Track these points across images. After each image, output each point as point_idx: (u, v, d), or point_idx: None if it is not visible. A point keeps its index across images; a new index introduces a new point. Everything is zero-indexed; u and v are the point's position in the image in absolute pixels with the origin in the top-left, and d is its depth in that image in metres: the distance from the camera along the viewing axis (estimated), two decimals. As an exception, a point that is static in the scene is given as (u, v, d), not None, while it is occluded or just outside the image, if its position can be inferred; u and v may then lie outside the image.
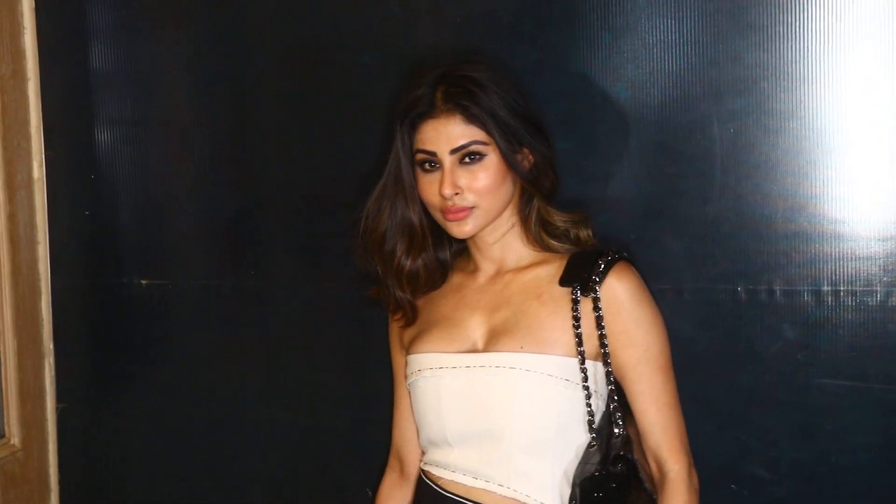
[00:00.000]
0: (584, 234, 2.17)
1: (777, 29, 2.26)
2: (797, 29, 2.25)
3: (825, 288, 2.28)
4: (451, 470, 2.12)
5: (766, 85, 2.28)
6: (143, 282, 2.76)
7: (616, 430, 2.05)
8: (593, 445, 2.05)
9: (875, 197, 2.25)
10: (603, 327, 2.06)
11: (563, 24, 2.37)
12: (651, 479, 2.08)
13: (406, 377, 2.21)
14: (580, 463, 2.06)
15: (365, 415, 2.61)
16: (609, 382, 2.07)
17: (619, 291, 2.06)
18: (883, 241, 2.25)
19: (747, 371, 2.33)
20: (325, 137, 2.58)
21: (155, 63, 2.70)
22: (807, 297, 2.29)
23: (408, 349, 2.22)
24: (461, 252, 2.24)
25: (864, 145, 2.24)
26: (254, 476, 2.73)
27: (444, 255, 2.22)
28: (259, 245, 2.68)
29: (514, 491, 2.06)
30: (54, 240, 2.78)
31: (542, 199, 2.13)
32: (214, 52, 2.64)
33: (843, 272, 2.27)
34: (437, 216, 2.13)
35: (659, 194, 2.32)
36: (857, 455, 2.30)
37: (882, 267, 2.25)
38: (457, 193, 2.07)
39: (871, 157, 2.24)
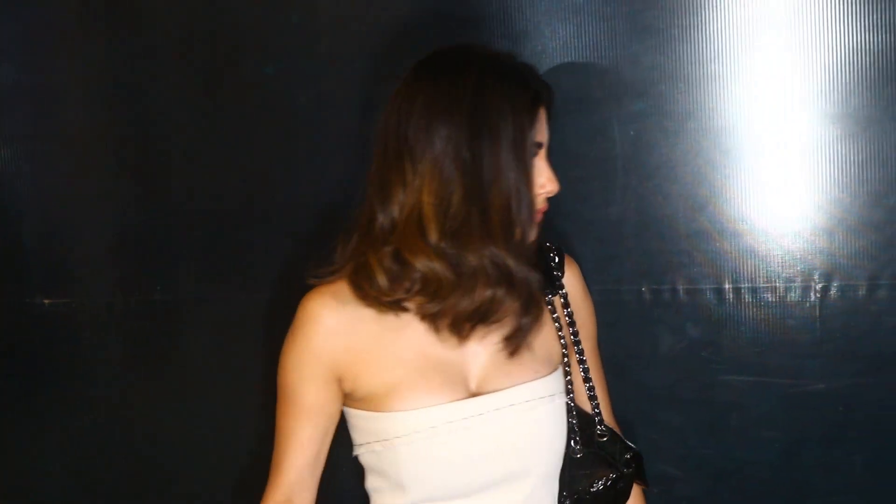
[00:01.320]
0: None
1: (673, 32, 2.30)
2: (693, 32, 2.29)
3: (726, 286, 2.31)
4: None
5: (664, 87, 2.31)
6: (47, 301, 2.72)
7: (600, 428, 1.90)
8: (578, 455, 1.89)
9: (772, 195, 2.29)
10: (574, 323, 1.91)
11: (463, 30, 2.39)
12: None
13: (391, 439, 1.79)
14: (568, 476, 1.88)
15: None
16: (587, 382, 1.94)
17: (577, 282, 1.92)
18: (780, 237, 2.29)
19: (653, 370, 2.35)
20: (229, 149, 2.57)
21: (55, 78, 2.67)
22: (709, 296, 2.32)
23: (376, 404, 1.80)
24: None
25: (760, 144, 2.29)
26: (165, 494, 2.69)
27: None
28: (165, 259, 2.65)
29: None
30: (-45, 260, 2.74)
31: None
32: (116, 67, 2.62)
33: (744, 270, 2.30)
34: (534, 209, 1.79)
35: (562, 197, 2.30)
36: (762, 450, 2.33)
37: (780, 263, 2.29)
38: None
39: (766, 155, 2.28)
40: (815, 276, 2.27)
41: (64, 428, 2.74)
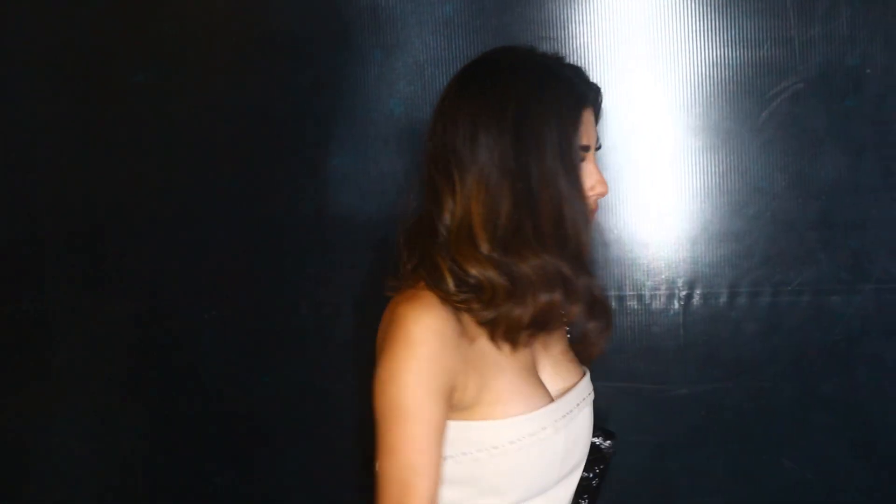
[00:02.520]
0: None
1: (542, 45, 2.30)
2: (558, 45, 2.33)
3: (594, 293, 2.36)
4: None
5: (532, 99, 2.34)
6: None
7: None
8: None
9: (636, 205, 2.34)
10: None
11: (337, 42, 2.40)
12: None
13: (506, 442, 1.74)
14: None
15: (150, 437, 2.57)
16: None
17: None
18: (644, 246, 2.34)
19: (524, 377, 2.39)
20: (98, 158, 2.54)
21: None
22: (577, 303, 2.37)
23: (489, 412, 1.76)
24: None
25: (624, 156, 2.34)
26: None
27: None
28: (37, 270, 2.61)
29: None
30: None
31: None
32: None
33: (610, 277, 2.35)
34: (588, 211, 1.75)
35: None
36: (629, 454, 2.37)
37: (645, 272, 2.35)
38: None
39: (631, 167, 2.34)
40: (679, 284, 2.33)
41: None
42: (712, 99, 2.29)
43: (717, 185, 2.31)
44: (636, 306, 2.35)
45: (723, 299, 2.32)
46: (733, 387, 2.33)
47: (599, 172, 1.74)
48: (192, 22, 2.47)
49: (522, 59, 1.78)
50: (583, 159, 1.74)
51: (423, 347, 1.68)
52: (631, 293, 2.35)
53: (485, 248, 1.70)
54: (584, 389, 1.84)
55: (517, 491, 1.78)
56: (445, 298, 1.71)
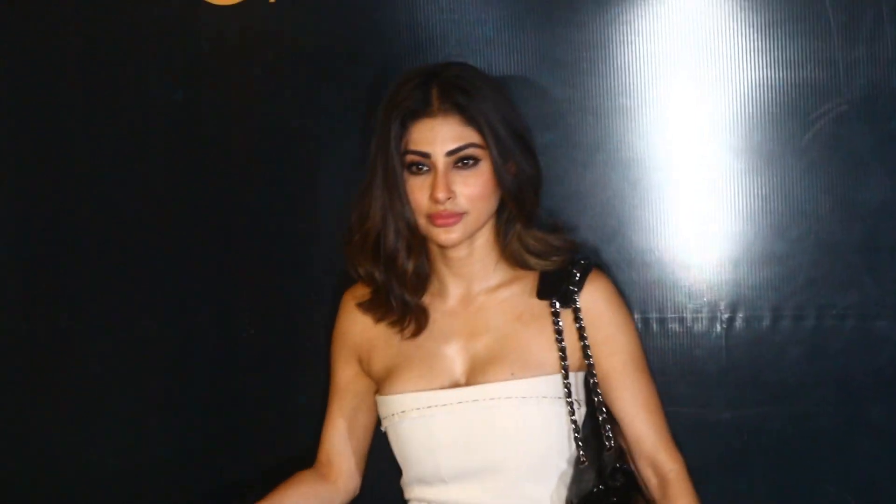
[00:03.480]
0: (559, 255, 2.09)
1: (582, 66, 2.33)
2: (601, 66, 2.32)
3: (635, 316, 2.33)
4: None
5: (572, 119, 2.34)
6: (-53, 328, 2.67)
7: (607, 444, 2.02)
8: (583, 462, 2.00)
9: (678, 226, 2.32)
10: (586, 338, 2.03)
11: (374, 63, 2.39)
12: (645, 487, 2.05)
13: (382, 419, 2.10)
14: (573, 481, 2.01)
15: (183, 454, 2.56)
16: (595, 394, 2.04)
17: (599, 299, 2.05)
18: (686, 268, 2.32)
19: (563, 399, 2.37)
20: (135, 175, 2.54)
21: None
22: (617, 326, 2.34)
23: (380, 387, 2.10)
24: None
25: (667, 177, 2.32)
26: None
27: (423, 269, 2.08)
28: (70, 286, 2.61)
29: None
30: None
31: (520, 218, 2.05)
32: (20, 90, 2.58)
33: (651, 300, 2.33)
34: (422, 222, 2.00)
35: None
36: (670, 478, 2.35)
37: (687, 294, 2.33)
38: (449, 198, 1.97)
39: (673, 188, 2.32)
40: (721, 307, 2.31)
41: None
42: (755, 120, 2.27)
43: (759, 208, 2.29)
44: (678, 329, 2.33)
45: (766, 322, 2.30)
46: (776, 411, 2.31)
47: (437, 180, 1.96)
48: (230, 40, 2.46)
49: (393, 86, 2.06)
50: (417, 173, 1.99)
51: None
52: (672, 315, 2.33)
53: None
54: (499, 391, 1.99)
55: (409, 469, 2.08)
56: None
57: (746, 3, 2.25)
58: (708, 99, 2.29)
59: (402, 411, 2.04)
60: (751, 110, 2.27)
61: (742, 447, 2.32)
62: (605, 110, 2.32)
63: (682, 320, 2.33)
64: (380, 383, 2.11)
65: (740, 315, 2.31)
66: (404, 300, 2.05)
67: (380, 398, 2.09)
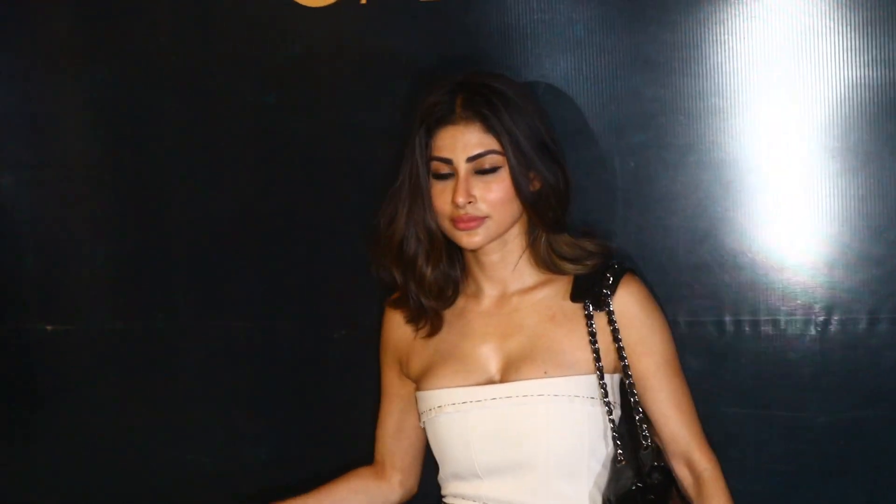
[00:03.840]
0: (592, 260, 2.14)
1: (673, 65, 2.31)
2: (694, 65, 2.30)
3: (727, 318, 2.32)
4: (482, 502, 2.09)
5: (664, 120, 2.32)
6: (49, 327, 2.72)
7: (644, 443, 2.06)
8: (622, 461, 2.05)
9: (772, 228, 2.30)
10: (620, 340, 2.07)
11: (464, 63, 2.39)
12: (681, 485, 2.09)
13: (420, 414, 2.17)
14: (611, 480, 2.06)
15: (277, 455, 2.59)
16: (631, 395, 2.09)
17: (631, 302, 2.09)
18: (780, 270, 2.29)
19: (654, 402, 2.35)
20: (228, 177, 2.57)
21: (56, 104, 2.67)
22: (710, 328, 2.33)
23: (418, 384, 2.18)
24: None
25: (761, 178, 2.29)
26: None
27: (454, 273, 2.17)
28: (165, 286, 2.66)
29: None
30: (-44, 287, 2.74)
31: (542, 227, 2.11)
32: (115, 94, 2.62)
33: (744, 302, 2.31)
34: (447, 226, 2.09)
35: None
36: (762, 482, 2.33)
37: (780, 297, 2.30)
38: (470, 202, 2.05)
39: (767, 189, 2.29)
40: (816, 310, 2.28)
41: (61, 454, 2.75)
42: (852, 120, 2.23)
43: (855, 209, 2.25)
44: (771, 332, 2.30)
45: (862, 325, 2.26)
46: (872, 415, 2.27)
47: (460, 185, 2.04)
48: (322, 43, 2.48)
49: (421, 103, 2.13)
50: (443, 178, 2.06)
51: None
52: (766, 318, 2.30)
53: None
54: (530, 389, 2.04)
55: (444, 465, 2.15)
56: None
57: (843, 1, 2.21)
58: (802, 99, 2.25)
59: (439, 406, 2.11)
60: (847, 110, 2.23)
61: (837, 452, 2.29)
62: (697, 111, 2.30)
63: (775, 323, 2.30)
64: (418, 381, 2.18)
65: (835, 318, 2.27)
66: (420, 303, 2.14)
67: (418, 394, 2.17)
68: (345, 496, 2.28)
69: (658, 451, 2.09)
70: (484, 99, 2.06)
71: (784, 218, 2.29)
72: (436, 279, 2.13)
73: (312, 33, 2.48)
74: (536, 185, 2.10)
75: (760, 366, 2.31)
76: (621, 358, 2.08)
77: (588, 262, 2.13)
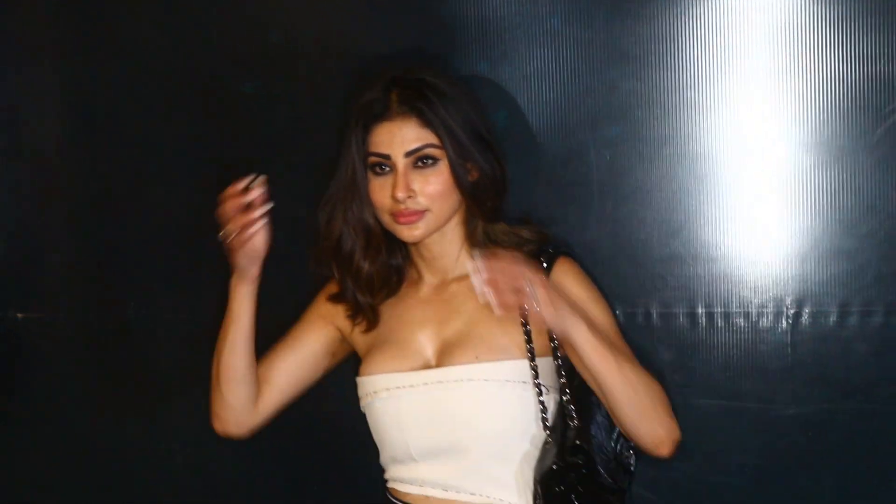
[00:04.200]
0: (529, 246, 2.16)
1: (650, 59, 2.32)
2: (670, 59, 2.32)
3: (699, 310, 2.33)
4: (418, 485, 2.12)
5: (640, 113, 2.33)
6: (19, 315, 2.71)
7: (571, 423, 2.06)
8: (549, 442, 2.07)
9: (745, 221, 2.31)
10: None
11: (441, 54, 2.40)
12: (609, 466, 2.08)
13: (360, 398, 2.19)
14: (538, 460, 2.07)
15: (253, 444, 2.58)
16: (560, 376, 2.09)
17: (566, 281, 2.11)
18: (753, 263, 2.31)
19: (626, 393, 2.36)
20: (206, 167, 2.57)
21: (29, 94, 2.67)
22: (682, 320, 2.34)
23: (359, 370, 2.20)
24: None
25: (734, 171, 2.31)
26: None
27: (396, 262, 2.20)
28: (138, 277, 2.65)
29: (488, 497, 2.08)
30: (-73, 273, 2.73)
31: (481, 216, 2.14)
32: (91, 82, 2.62)
33: (716, 294, 2.32)
34: (387, 220, 2.12)
35: (537, 220, 2.35)
36: (733, 474, 2.34)
37: (752, 289, 2.31)
38: (409, 196, 2.07)
39: (740, 182, 2.31)
40: (788, 302, 2.30)
41: (32, 444, 2.73)
42: (825, 115, 2.26)
43: (828, 203, 2.27)
44: (743, 324, 2.32)
45: (833, 318, 2.28)
46: (842, 408, 2.29)
47: (398, 179, 2.06)
48: (300, 34, 2.48)
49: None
50: (380, 174, 2.09)
51: None
52: (738, 310, 2.32)
53: None
54: (461, 374, 2.06)
55: (383, 449, 2.17)
56: None
57: (817, -2, 2.25)
58: (777, 93, 2.27)
59: (374, 392, 2.14)
60: (821, 105, 2.25)
61: (807, 444, 2.30)
62: (673, 104, 2.32)
63: (747, 315, 2.32)
64: (360, 366, 2.20)
65: (806, 311, 2.29)
66: (356, 299, 2.18)
67: (357, 380, 2.19)
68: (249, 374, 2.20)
69: (581, 431, 2.07)
70: (418, 93, 2.08)
71: (757, 211, 2.31)
72: (377, 271, 2.17)
73: (293, 25, 2.49)
74: (474, 175, 2.13)
75: (731, 358, 2.32)
76: (551, 339, 2.09)
77: (525, 249, 2.15)
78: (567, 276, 2.13)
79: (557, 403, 2.11)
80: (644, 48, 2.32)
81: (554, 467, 2.05)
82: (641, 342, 2.33)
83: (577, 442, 2.06)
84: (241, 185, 2.08)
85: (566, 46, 2.35)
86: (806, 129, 2.27)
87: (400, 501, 2.16)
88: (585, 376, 2.06)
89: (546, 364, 2.11)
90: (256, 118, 2.53)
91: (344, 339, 2.26)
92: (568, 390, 2.09)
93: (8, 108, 2.69)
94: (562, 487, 2.02)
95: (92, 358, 2.70)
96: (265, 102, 2.52)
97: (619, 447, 2.10)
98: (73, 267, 2.69)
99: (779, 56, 2.26)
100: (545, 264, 2.12)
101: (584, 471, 2.04)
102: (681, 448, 2.30)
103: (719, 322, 2.32)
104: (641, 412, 2.01)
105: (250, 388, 2.20)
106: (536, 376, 2.09)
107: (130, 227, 2.64)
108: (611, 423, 2.09)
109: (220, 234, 2.12)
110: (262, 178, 2.08)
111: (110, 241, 2.66)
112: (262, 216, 2.08)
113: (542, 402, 2.09)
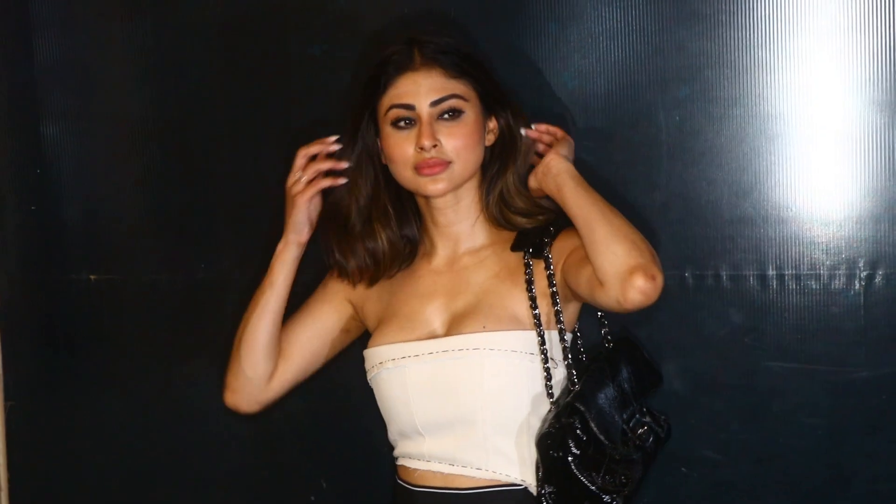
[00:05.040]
0: (545, 215, 2.12)
1: (720, 18, 2.29)
2: (740, 18, 2.29)
3: (770, 272, 2.31)
4: (425, 460, 2.08)
5: (710, 73, 2.31)
6: (92, 277, 2.75)
7: (571, 389, 2.02)
8: (550, 411, 2.02)
9: (817, 182, 2.29)
10: (555, 285, 2.04)
11: (509, 14, 2.39)
12: (611, 433, 2.01)
13: (366, 371, 2.16)
14: (540, 426, 2.02)
15: (321, 406, 2.61)
16: (561, 340, 2.05)
17: (570, 244, 2.04)
18: (825, 224, 2.29)
19: (695, 356, 2.36)
20: (274, 129, 2.58)
21: (101, 56, 2.68)
22: (752, 282, 2.33)
23: (367, 342, 2.18)
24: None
25: (806, 131, 2.28)
26: (208, 473, 2.72)
27: (411, 232, 2.17)
28: (209, 238, 2.67)
29: (493, 472, 2.04)
30: (0, 236, 2.76)
31: (502, 172, 2.11)
32: (161, 45, 2.63)
33: (788, 256, 2.30)
34: (408, 175, 2.06)
35: (607, 182, 2.34)
36: (803, 436, 2.33)
37: (824, 251, 2.29)
38: (435, 146, 2.03)
39: (812, 143, 2.28)
40: (860, 264, 2.27)
41: (107, 403, 2.77)
42: (899, 73, 2.22)
43: (902, 163, 2.24)
44: (814, 286, 2.30)
45: (906, 280, 2.26)
46: (916, 370, 2.27)
47: (423, 130, 2.02)
48: (366, -4, 2.48)
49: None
50: (404, 126, 2.04)
51: None
52: (809, 272, 2.29)
53: None
54: (465, 343, 2.02)
55: (390, 422, 2.13)
56: None
57: (892, -46, 2.20)
58: (849, 52, 2.24)
59: (380, 363, 2.10)
60: (892, 63, 2.22)
61: (880, 406, 2.29)
62: (743, 64, 2.29)
63: (818, 277, 2.30)
64: (369, 339, 2.18)
65: (880, 273, 2.27)
66: (361, 265, 2.14)
67: (364, 353, 2.16)
68: (272, 346, 2.20)
69: (580, 395, 1.98)
70: (441, 49, 2.07)
71: (829, 172, 2.28)
72: (388, 241, 2.13)
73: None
74: (496, 133, 2.12)
75: (803, 320, 2.31)
76: (554, 303, 2.04)
77: (540, 217, 2.11)
78: (572, 240, 2.03)
79: (565, 378, 2.07)
80: (713, 7, 2.29)
81: (551, 431, 1.98)
82: (711, 304, 2.32)
83: (576, 404, 1.98)
84: (325, 141, 2.12)
85: (635, 6, 2.33)
86: (880, 87, 2.23)
87: (408, 483, 2.11)
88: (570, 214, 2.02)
89: (550, 336, 2.06)
90: (323, 81, 2.53)
91: (356, 316, 2.24)
92: (570, 355, 2.05)
93: (79, 72, 2.70)
94: (559, 453, 1.96)
95: (162, 318, 2.72)
96: (332, 65, 2.51)
97: (632, 423, 2.03)
98: (144, 229, 2.71)
99: (849, 13, 2.23)
100: (553, 230, 2.08)
101: (578, 431, 1.96)
102: (751, 411, 2.31)
103: (791, 284, 2.30)
104: (615, 232, 1.93)
105: (269, 363, 2.19)
106: (543, 343, 2.03)
107: (199, 190, 2.66)
108: (623, 399, 2.02)
109: (290, 180, 2.14)
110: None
111: (180, 203, 2.68)
112: (336, 171, 2.11)
113: (546, 370, 2.03)
